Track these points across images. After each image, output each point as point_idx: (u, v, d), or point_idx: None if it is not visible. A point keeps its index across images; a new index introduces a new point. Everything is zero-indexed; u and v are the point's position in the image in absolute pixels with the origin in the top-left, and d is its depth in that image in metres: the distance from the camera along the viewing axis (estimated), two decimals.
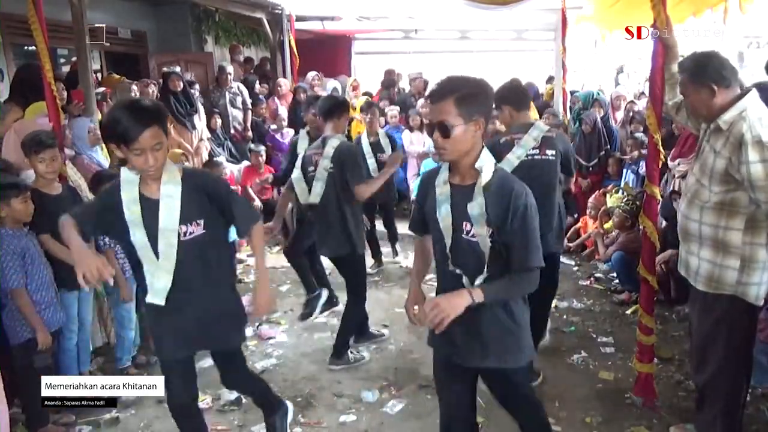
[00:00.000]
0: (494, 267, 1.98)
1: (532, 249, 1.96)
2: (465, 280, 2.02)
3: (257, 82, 8.06)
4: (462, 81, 1.95)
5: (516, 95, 3.43)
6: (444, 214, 2.04)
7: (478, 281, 1.99)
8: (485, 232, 1.95)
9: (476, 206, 1.95)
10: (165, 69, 6.53)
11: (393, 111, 7.58)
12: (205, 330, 2.38)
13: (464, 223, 2.00)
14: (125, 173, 2.22)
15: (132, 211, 2.18)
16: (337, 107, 3.73)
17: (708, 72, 2.44)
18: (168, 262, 2.21)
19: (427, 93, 1.97)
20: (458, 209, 2.01)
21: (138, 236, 2.20)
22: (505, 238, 1.96)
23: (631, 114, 6.48)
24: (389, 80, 8.72)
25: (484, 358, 2.09)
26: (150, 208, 2.20)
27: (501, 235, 1.96)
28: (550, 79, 7.76)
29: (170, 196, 2.20)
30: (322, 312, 4.37)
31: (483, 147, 2.00)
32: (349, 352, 3.81)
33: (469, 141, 1.94)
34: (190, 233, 2.24)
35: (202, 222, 2.27)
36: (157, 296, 2.25)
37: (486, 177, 1.96)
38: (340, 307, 4.64)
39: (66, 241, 2.16)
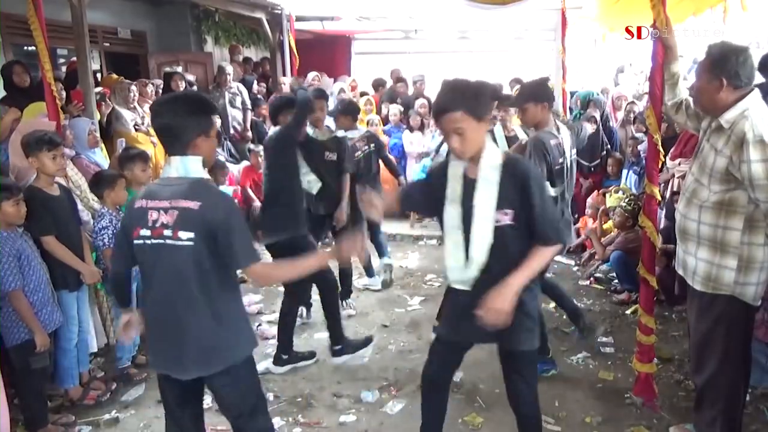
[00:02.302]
0: None
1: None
2: None
3: (255, 81, 8.06)
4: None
5: None
6: None
7: None
8: None
9: None
10: (167, 69, 6.52)
11: (394, 110, 7.58)
12: None
13: None
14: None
15: (454, 188, 2.25)
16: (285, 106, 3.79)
17: (727, 66, 2.40)
18: None
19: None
20: None
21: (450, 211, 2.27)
22: None
23: (632, 114, 6.49)
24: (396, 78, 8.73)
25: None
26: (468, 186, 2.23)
27: None
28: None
29: (486, 178, 2.21)
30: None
31: None
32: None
33: None
34: None
35: None
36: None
37: None
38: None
39: None
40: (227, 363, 2.08)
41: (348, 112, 4.92)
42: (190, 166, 2.02)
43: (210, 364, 2.07)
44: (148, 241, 2.00)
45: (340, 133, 4.55)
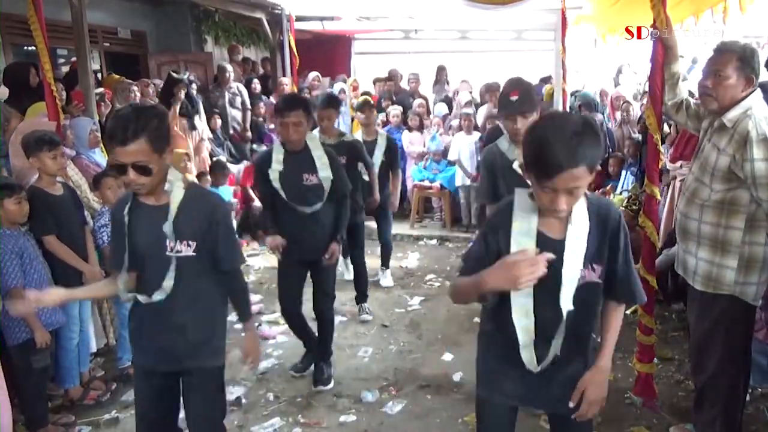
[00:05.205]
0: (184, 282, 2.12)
1: (232, 251, 2.22)
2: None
3: (252, 81, 8.05)
4: (149, 115, 1.95)
5: None
6: None
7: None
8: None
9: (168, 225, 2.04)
10: (175, 76, 6.39)
11: (395, 111, 7.59)
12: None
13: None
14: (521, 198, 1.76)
15: (523, 246, 1.70)
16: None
17: (755, 64, 2.43)
18: None
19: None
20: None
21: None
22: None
23: (627, 115, 6.50)
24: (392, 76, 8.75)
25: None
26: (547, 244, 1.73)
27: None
28: (547, 79, 7.76)
29: (577, 238, 1.75)
30: None
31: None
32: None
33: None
34: None
35: None
36: None
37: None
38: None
39: None
40: None
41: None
42: None
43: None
44: None
45: (349, 137, 4.40)
